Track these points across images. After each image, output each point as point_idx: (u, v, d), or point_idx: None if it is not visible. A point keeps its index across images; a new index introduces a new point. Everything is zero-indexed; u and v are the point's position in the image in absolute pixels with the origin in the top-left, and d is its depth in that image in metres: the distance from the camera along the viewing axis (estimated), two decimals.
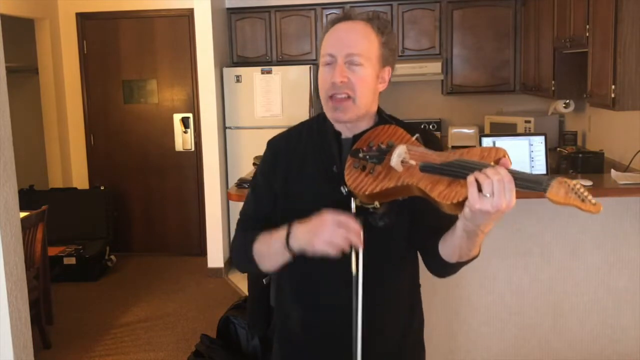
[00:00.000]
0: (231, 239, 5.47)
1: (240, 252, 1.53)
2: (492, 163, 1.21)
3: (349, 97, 1.41)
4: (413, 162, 1.28)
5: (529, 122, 4.94)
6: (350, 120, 1.45)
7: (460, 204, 1.18)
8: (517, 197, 1.14)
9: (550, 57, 4.28)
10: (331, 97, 1.43)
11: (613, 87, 3.04)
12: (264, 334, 1.81)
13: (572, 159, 3.52)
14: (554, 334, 3.18)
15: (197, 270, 5.33)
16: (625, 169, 3.40)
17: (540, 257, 3.12)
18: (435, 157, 1.28)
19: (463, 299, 3.16)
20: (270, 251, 1.42)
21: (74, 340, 4.01)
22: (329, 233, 1.29)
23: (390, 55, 1.48)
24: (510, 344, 3.20)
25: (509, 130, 4.98)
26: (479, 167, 1.17)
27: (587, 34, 3.40)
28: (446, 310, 3.17)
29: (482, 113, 5.50)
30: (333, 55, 1.42)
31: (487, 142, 3.15)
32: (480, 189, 1.14)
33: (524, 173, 1.16)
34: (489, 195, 1.13)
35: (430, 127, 5.56)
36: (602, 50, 3.21)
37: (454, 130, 5.44)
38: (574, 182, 1.10)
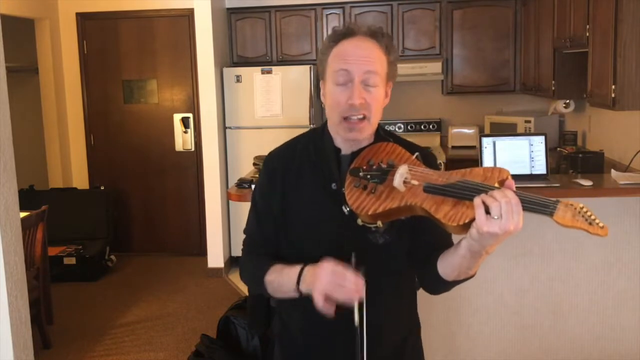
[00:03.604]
0: (231, 239, 5.42)
1: (251, 280, 1.57)
2: (496, 184, 1.21)
3: (364, 117, 1.41)
4: (416, 183, 1.27)
5: (529, 122, 4.94)
6: (365, 139, 1.46)
7: (467, 225, 1.19)
8: None
9: (550, 57, 4.28)
10: (346, 118, 1.41)
11: (613, 87, 3.04)
12: (264, 334, 1.81)
13: (572, 159, 3.52)
14: (553, 334, 3.17)
15: (197, 270, 5.33)
16: (625, 169, 3.40)
17: (540, 257, 3.11)
18: (436, 177, 1.28)
19: (463, 299, 3.16)
20: (282, 287, 1.44)
21: (74, 340, 4.01)
22: (323, 284, 1.30)
23: (395, 70, 1.48)
24: (510, 344, 3.20)
25: (509, 130, 4.98)
26: (485, 189, 1.18)
27: (587, 34, 3.40)
28: (446, 310, 3.17)
29: (482, 113, 5.50)
30: (349, 71, 1.39)
31: (487, 142, 3.15)
32: (487, 211, 1.14)
33: (530, 196, 1.16)
34: (497, 218, 1.13)
35: (430, 127, 5.56)
36: (602, 50, 3.21)
37: (454, 130, 5.45)
38: (581, 205, 1.11)
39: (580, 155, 3.54)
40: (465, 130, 5.44)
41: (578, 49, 3.69)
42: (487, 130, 5.34)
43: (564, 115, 5.18)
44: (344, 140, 1.47)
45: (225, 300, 4.33)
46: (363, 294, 1.29)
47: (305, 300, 1.45)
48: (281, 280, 1.43)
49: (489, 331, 3.19)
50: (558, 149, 4.51)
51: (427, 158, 1.43)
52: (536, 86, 4.71)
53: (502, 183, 1.22)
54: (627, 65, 2.98)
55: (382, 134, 1.51)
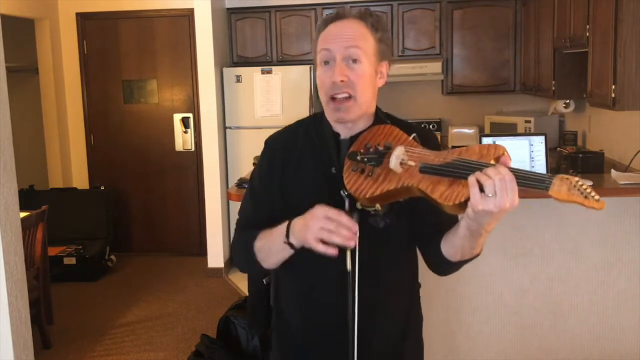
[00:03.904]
0: (231, 238, 5.43)
1: (241, 251, 1.52)
2: (492, 161, 1.20)
3: (350, 96, 1.40)
4: (412, 163, 1.27)
5: (529, 122, 4.94)
6: (353, 119, 1.44)
7: (463, 205, 1.18)
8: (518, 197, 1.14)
9: (550, 57, 4.28)
10: (332, 98, 1.42)
11: (613, 87, 3.04)
12: (264, 334, 1.81)
13: (572, 159, 3.52)
14: (553, 333, 3.17)
15: (197, 270, 5.33)
16: (625, 169, 3.40)
17: (540, 257, 3.12)
18: (433, 157, 1.27)
19: (463, 298, 3.16)
20: (272, 247, 1.41)
21: (74, 340, 4.01)
22: (317, 228, 1.27)
23: (387, 49, 1.47)
24: (510, 343, 3.20)
25: (509, 130, 4.98)
26: (480, 166, 1.17)
27: (587, 34, 3.40)
28: (446, 310, 3.17)
29: (482, 113, 5.50)
30: (330, 49, 1.41)
31: (487, 142, 3.15)
32: (482, 189, 1.13)
33: (525, 171, 1.15)
34: (491, 196, 1.12)
35: (430, 127, 5.56)
36: (602, 50, 3.21)
37: (454, 130, 5.45)
38: (576, 179, 1.10)
39: (580, 155, 3.54)
40: (465, 130, 5.44)
41: (578, 49, 3.69)
42: (487, 130, 5.34)
43: (564, 115, 5.18)
44: (340, 124, 1.47)
45: (225, 300, 4.33)
46: (356, 239, 1.27)
47: (304, 299, 1.46)
48: (270, 240, 1.41)
49: (489, 331, 3.19)
50: (558, 149, 4.51)
51: (427, 138, 1.42)
52: (536, 86, 4.71)
53: (498, 160, 1.21)
54: (627, 65, 2.98)
55: (381, 117, 1.50)
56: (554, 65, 4.22)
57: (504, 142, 3.15)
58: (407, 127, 1.44)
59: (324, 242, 1.27)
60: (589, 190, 1.09)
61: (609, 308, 3.13)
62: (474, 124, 5.48)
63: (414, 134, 1.38)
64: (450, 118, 5.65)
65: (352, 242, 1.27)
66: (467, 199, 1.16)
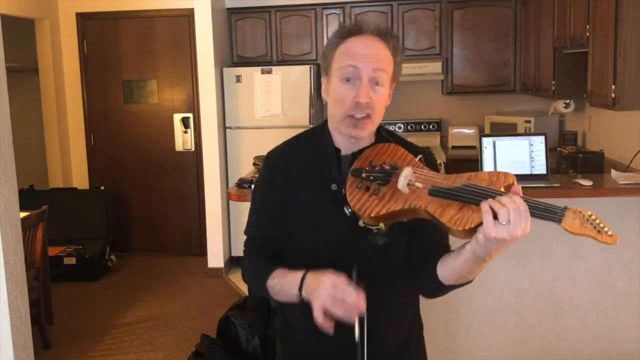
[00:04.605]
0: (231, 239, 5.41)
1: (254, 283, 1.56)
2: (502, 189, 1.20)
3: (368, 116, 1.40)
4: (420, 185, 1.26)
5: (529, 122, 4.94)
6: (366, 137, 1.45)
7: (472, 230, 1.18)
8: None
9: (550, 57, 4.28)
10: (350, 115, 1.40)
11: (613, 87, 3.04)
12: (264, 334, 1.81)
13: (573, 159, 3.52)
14: (554, 334, 3.17)
15: (197, 270, 5.33)
16: (625, 169, 3.40)
17: (540, 257, 3.11)
18: (441, 180, 1.27)
19: (463, 299, 3.16)
20: (284, 291, 1.42)
21: (74, 340, 4.01)
22: (323, 299, 1.28)
23: (400, 71, 1.48)
24: (510, 344, 3.20)
25: (509, 130, 4.98)
26: (492, 194, 1.17)
27: (587, 34, 3.40)
28: (446, 310, 3.17)
29: (482, 113, 5.50)
30: (358, 68, 1.38)
31: (487, 142, 3.15)
32: (495, 217, 1.13)
33: (538, 202, 1.16)
34: (505, 224, 1.13)
35: (430, 127, 5.56)
36: (602, 50, 3.21)
37: (454, 130, 5.45)
38: (589, 212, 1.10)
39: (581, 155, 3.54)
40: (466, 130, 5.44)
41: (578, 49, 3.69)
42: (487, 130, 5.34)
43: (564, 115, 5.18)
44: (344, 140, 1.46)
45: (225, 300, 4.33)
46: (364, 310, 1.27)
47: (305, 303, 1.45)
48: (283, 285, 1.42)
49: (489, 331, 3.19)
50: (558, 149, 4.51)
51: (427, 160, 1.42)
52: (536, 86, 4.71)
53: (508, 188, 1.21)
54: (627, 65, 2.98)
55: (383, 134, 1.50)
56: (554, 65, 4.22)
57: (503, 142, 3.15)
58: (409, 146, 1.45)
59: (327, 314, 1.28)
60: (602, 224, 1.10)
61: (609, 308, 3.13)
62: (474, 124, 5.48)
63: (420, 155, 1.38)
64: (450, 118, 5.65)
65: (355, 315, 1.27)
66: (477, 225, 1.16)
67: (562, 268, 3.11)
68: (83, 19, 5.70)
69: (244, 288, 4.72)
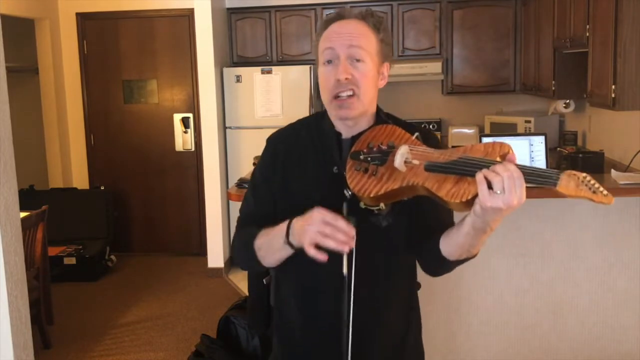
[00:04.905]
0: (231, 238, 5.43)
1: (241, 249, 1.52)
2: (497, 159, 1.20)
3: (353, 94, 1.41)
4: (416, 162, 1.27)
5: (529, 122, 4.94)
6: (355, 117, 1.44)
7: (469, 202, 1.18)
8: None
9: (550, 57, 4.28)
10: (335, 97, 1.42)
11: (613, 87, 3.04)
12: (264, 334, 1.81)
13: (573, 159, 3.52)
14: (554, 334, 3.17)
15: (197, 270, 5.33)
16: (625, 169, 3.40)
17: (540, 257, 3.12)
18: (437, 155, 1.27)
19: (463, 299, 3.16)
20: (272, 246, 1.40)
21: (74, 340, 4.01)
22: (314, 231, 1.27)
23: (388, 50, 1.48)
24: (510, 344, 3.20)
25: (509, 130, 4.98)
26: (486, 164, 1.17)
27: (587, 34, 3.40)
28: (446, 310, 3.17)
29: (482, 113, 5.50)
30: (333, 48, 1.41)
31: (487, 142, 3.15)
32: (490, 186, 1.13)
33: (532, 167, 1.16)
34: (499, 192, 1.12)
35: (430, 127, 5.55)
36: (602, 50, 3.21)
37: (454, 130, 5.45)
38: (583, 174, 1.11)
39: (581, 155, 3.54)
40: (466, 130, 5.44)
41: (578, 49, 3.69)
42: (487, 130, 5.34)
43: (564, 115, 5.18)
44: (342, 124, 1.48)
45: (225, 300, 4.33)
46: (353, 244, 1.27)
47: (304, 297, 1.45)
48: (270, 239, 1.40)
49: (489, 331, 3.19)
50: (558, 149, 4.51)
51: (427, 138, 1.42)
52: (536, 86, 4.71)
53: (503, 157, 1.21)
54: (627, 65, 2.98)
55: (382, 117, 1.51)
56: (554, 65, 4.22)
57: (503, 142, 3.15)
58: (408, 127, 1.44)
59: (318, 246, 1.27)
60: (597, 185, 1.10)
61: (609, 308, 3.13)
62: (474, 124, 5.48)
63: (416, 133, 1.38)
64: (450, 118, 5.65)
65: (347, 247, 1.26)
66: (474, 197, 1.16)
67: (562, 268, 3.11)
68: (83, 19, 5.70)
69: (244, 288, 4.72)
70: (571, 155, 3.64)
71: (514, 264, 3.13)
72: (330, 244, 1.25)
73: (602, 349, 3.16)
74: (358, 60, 1.40)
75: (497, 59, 5.29)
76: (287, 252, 1.37)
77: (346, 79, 1.39)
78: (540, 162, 3.13)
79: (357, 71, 1.40)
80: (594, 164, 3.42)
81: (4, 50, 2.36)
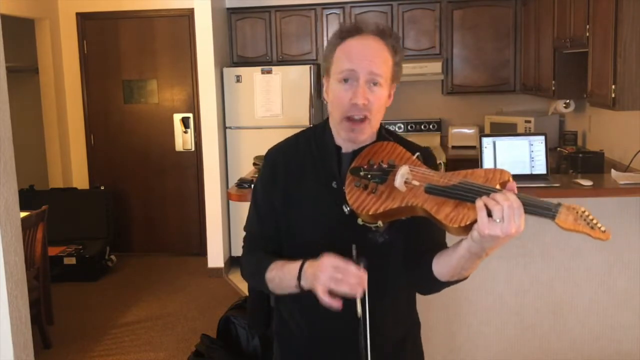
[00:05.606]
0: (231, 239, 5.41)
1: (253, 275, 1.54)
2: (497, 186, 1.21)
3: (365, 118, 1.40)
4: (417, 183, 1.27)
5: (529, 122, 4.94)
6: (365, 140, 1.45)
7: (468, 227, 1.19)
8: None
9: (550, 57, 4.28)
10: (348, 118, 1.41)
11: (613, 87, 3.04)
12: (264, 334, 1.81)
13: (573, 159, 3.52)
14: (554, 334, 3.17)
15: (197, 270, 5.33)
16: (625, 169, 3.40)
17: (540, 257, 3.12)
18: (437, 178, 1.27)
19: (463, 299, 3.16)
20: (283, 283, 1.42)
21: (74, 340, 4.01)
22: (326, 278, 1.28)
23: (400, 72, 1.47)
24: (510, 344, 3.20)
25: (509, 130, 4.98)
26: (487, 191, 1.18)
27: (587, 34, 3.40)
28: (446, 310, 3.17)
29: (482, 113, 5.50)
30: (355, 71, 1.38)
31: (487, 142, 3.15)
32: (489, 214, 1.14)
33: (532, 198, 1.16)
34: (498, 221, 1.13)
35: (430, 127, 5.56)
36: (602, 50, 3.21)
37: (454, 130, 5.45)
38: (582, 209, 1.11)
39: (581, 155, 3.54)
40: (466, 130, 5.44)
41: (578, 49, 3.69)
42: (487, 130, 5.34)
43: (564, 115, 5.18)
44: (344, 139, 1.47)
45: (225, 300, 4.33)
46: (365, 286, 1.28)
47: (304, 298, 1.45)
48: (282, 276, 1.42)
49: (489, 331, 3.19)
50: (558, 149, 4.51)
51: (427, 158, 1.42)
52: (536, 86, 4.71)
53: (503, 185, 1.22)
54: (627, 65, 2.98)
55: (383, 134, 1.50)
56: (554, 65, 4.22)
57: (503, 142, 3.15)
58: (409, 145, 1.45)
59: (331, 292, 1.28)
60: (595, 221, 1.11)
61: (609, 308, 3.13)
62: (474, 124, 5.48)
63: (417, 153, 1.39)
64: (450, 118, 5.65)
65: (361, 289, 1.28)
66: (473, 222, 1.17)
67: (562, 268, 3.11)
68: (83, 19, 5.70)
69: (244, 288, 4.72)
70: (571, 155, 3.64)
71: (514, 264, 3.13)
72: (344, 289, 1.27)
73: (602, 349, 3.16)
74: (375, 84, 1.39)
75: (497, 59, 5.29)
76: (297, 291, 1.39)
77: (363, 104, 1.38)
78: (540, 162, 3.12)
79: (373, 95, 1.39)
80: (594, 164, 3.42)
81: (4, 50, 2.36)
